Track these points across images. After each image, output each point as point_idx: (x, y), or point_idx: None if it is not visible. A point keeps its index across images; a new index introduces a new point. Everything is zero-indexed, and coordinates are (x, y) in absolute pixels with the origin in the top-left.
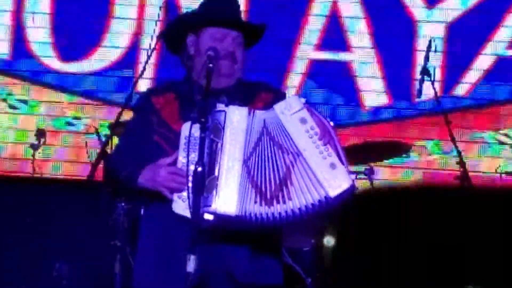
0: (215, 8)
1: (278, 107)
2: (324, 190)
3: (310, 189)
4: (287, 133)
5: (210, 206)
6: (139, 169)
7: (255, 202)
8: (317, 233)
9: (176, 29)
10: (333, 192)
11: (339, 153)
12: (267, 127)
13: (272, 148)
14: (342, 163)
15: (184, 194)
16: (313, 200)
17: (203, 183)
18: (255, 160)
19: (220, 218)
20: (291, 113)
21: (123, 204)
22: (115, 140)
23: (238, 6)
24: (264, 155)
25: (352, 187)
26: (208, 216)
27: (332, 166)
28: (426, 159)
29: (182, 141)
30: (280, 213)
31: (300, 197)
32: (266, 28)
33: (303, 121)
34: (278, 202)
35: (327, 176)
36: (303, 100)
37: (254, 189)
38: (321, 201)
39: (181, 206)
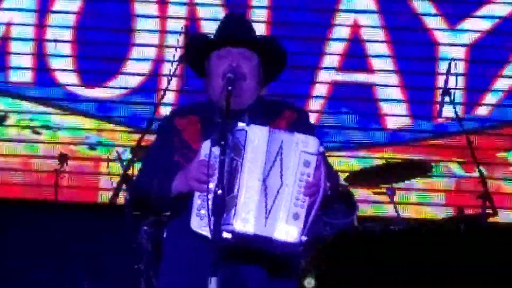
0: (221, 30)
1: (298, 136)
2: (272, 228)
3: (265, 218)
4: (287, 163)
5: (228, 224)
6: (172, 175)
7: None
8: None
9: (191, 55)
10: (276, 235)
11: (310, 214)
12: (282, 148)
13: (279, 171)
14: (304, 222)
15: (203, 211)
16: (260, 232)
17: (223, 205)
18: (270, 178)
19: (239, 237)
20: (302, 150)
21: (146, 228)
22: (137, 164)
23: (247, 25)
24: (275, 175)
25: (295, 246)
26: (226, 235)
27: (295, 216)
28: (448, 180)
29: (202, 158)
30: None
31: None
32: (272, 40)
33: (306, 164)
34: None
35: (283, 220)
36: (322, 149)
37: (265, 209)
38: (261, 236)
39: (199, 224)
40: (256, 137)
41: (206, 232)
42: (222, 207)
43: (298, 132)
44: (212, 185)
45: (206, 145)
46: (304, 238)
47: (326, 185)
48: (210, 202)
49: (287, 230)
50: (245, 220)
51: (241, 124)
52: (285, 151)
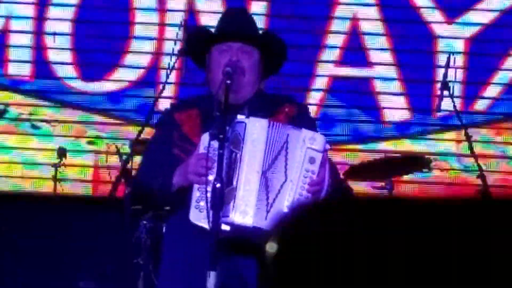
0: (222, 25)
1: (305, 132)
2: (273, 222)
3: (267, 212)
4: (292, 158)
5: (227, 216)
6: (171, 172)
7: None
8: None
9: (192, 48)
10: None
11: None
12: (287, 143)
13: (284, 164)
14: None
15: (202, 204)
16: (259, 224)
17: (222, 199)
18: (272, 172)
19: (237, 229)
20: (308, 147)
21: (145, 222)
22: (136, 158)
23: (248, 20)
24: (278, 169)
25: None
26: (225, 227)
27: None
28: (447, 174)
29: (201, 151)
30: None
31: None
32: (273, 35)
33: (311, 160)
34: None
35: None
36: (328, 146)
37: (267, 202)
38: (260, 229)
39: (198, 216)
40: (255, 129)
41: (204, 224)
42: (220, 199)
43: (299, 126)
44: (211, 177)
45: (205, 138)
46: None
47: (329, 183)
48: (209, 195)
49: None
50: (244, 212)
51: (240, 117)
52: (290, 146)
